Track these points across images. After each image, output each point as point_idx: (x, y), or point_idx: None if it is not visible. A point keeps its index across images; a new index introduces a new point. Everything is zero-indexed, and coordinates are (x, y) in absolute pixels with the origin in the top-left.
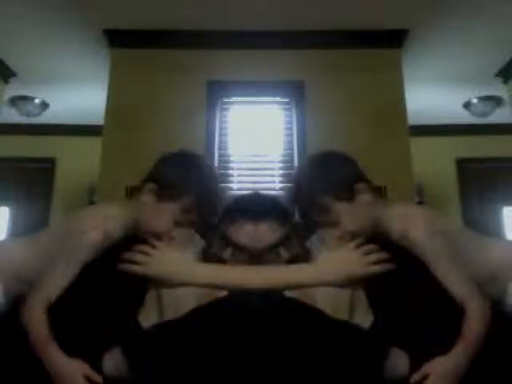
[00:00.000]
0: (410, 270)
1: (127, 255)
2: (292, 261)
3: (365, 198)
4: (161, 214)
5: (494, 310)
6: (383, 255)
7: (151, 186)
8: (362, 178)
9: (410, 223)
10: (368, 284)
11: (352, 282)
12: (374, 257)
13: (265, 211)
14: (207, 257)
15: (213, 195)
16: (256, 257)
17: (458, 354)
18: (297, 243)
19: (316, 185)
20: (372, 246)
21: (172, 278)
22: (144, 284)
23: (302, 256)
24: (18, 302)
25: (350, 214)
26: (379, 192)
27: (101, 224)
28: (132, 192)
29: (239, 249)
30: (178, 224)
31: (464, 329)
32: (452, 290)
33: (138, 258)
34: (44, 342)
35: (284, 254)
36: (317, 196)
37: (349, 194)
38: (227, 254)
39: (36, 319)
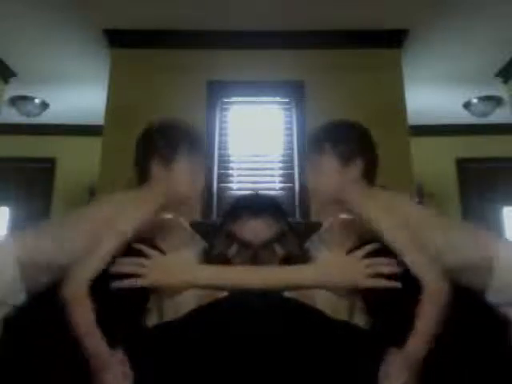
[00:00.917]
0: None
1: (122, 269)
2: (287, 258)
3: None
4: (174, 181)
5: (474, 297)
6: (389, 269)
7: (156, 160)
8: (363, 153)
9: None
10: (365, 291)
11: (351, 291)
12: (379, 269)
13: (260, 207)
14: (209, 257)
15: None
16: (256, 252)
17: (410, 344)
18: (293, 241)
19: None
20: (380, 259)
21: (172, 284)
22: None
23: (299, 255)
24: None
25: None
26: (370, 172)
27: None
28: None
29: (244, 244)
30: (190, 181)
31: (417, 317)
32: (414, 271)
33: (134, 270)
34: (89, 327)
35: (279, 250)
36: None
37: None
38: (232, 251)
39: (81, 302)
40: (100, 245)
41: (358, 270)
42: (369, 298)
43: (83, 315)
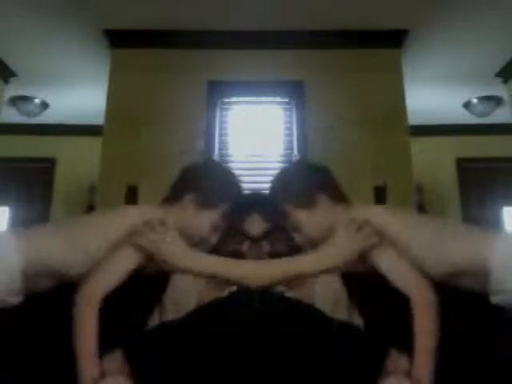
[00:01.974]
0: None
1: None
2: (273, 255)
3: (324, 206)
4: (202, 222)
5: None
6: (370, 229)
7: (191, 196)
8: (323, 187)
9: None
10: (356, 296)
11: (351, 262)
12: (365, 231)
13: (252, 205)
14: (221, 254)
15: (245, 199)
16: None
17: (417, 364)
18: (284, 242)
19: (278, 194)
20: (361, 224)
21: (176, 260)
22: (155, 294)
23: (286, 253)
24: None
25: (309, 222)
26: (344, 200)
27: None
28: (166, 201)
29: (251, 239)
30: (215, 229)
31: (416, 334)
32: (395, 282)
33: (149, 234)
34: (89, 354)
35: (266, 247)
36: (279, 204)
37: (309, 203)
38: (245, 247)
39: (88, 327)
40: (122, 260)
41: (350, 238)
42: (363, 304)
43: (88, 331)
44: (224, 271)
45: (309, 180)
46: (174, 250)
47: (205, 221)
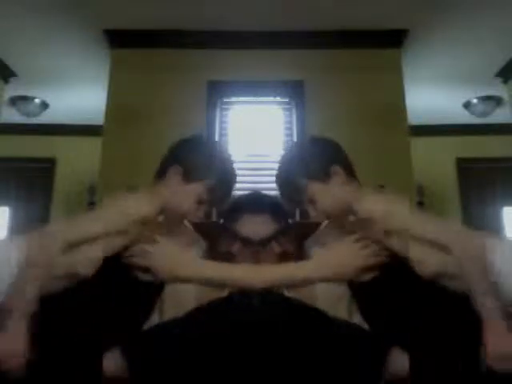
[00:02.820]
0: (400, 274)
1: (130, 252)
2: (284, 257)
3: (338, 179)
4: (186, 194)
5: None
6: (379, 249)
7: (177, 168)
8: (336, 160)
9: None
10: (360, 295)
11: (350, 277)
12: (370, 250)
13: (260, 206)
14: (213, 255)
15: (231, 176)
16: (256, 249)
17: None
18: (291, 241)
19: (293, 167)
20: (368, 241)
21: (174, 271)
22: (154, 293)
23: (295, 254)
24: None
25: (324, 194)
26: (355, 177)
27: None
28: (157, 175)
29: (245, 241)
30: (201, 203)
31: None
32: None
33: (142, 253)
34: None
35: (276, 248)
36: (294, 178)
37: (323, 175)
38: (236, 248)
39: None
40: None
41: (354, 253)
42: (361, 298)
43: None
44: (223, 278)
45: (323, 153)
46: (169, 261)
47: (190, 192)
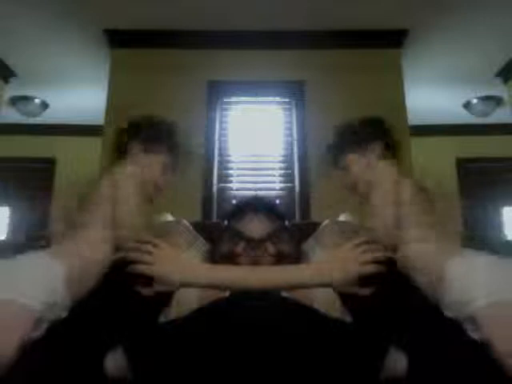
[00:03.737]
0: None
1: (134, 255)
2: (278, 256)
3: (373, 153)
4: (151, 162)
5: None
6: (380, 255)
7: (137, 143)
8: (377, 137)
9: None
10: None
11: (349, 283)
12: (370, 256)
13: (257, 206)
14: (217, 255)
15: (180, 147)
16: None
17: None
18: (286, 242)
19: (338, 146)
20: (370, 246)
21: (173, 277)
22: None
23: (291, 255)
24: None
25: (358, 162)
26: (396, 148)
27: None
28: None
29: (250, 241)
30: (165, 173)
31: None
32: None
33: (145, 258)
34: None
35: (271, 249)
36: (338, 151)
37: (361, 149)
38: (240, 248)
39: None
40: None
41: (353, 259)
42: (353, 305)
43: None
44: (221, 280)
45: (365, 131)
46: (168, 268)
47: (154, 162)
